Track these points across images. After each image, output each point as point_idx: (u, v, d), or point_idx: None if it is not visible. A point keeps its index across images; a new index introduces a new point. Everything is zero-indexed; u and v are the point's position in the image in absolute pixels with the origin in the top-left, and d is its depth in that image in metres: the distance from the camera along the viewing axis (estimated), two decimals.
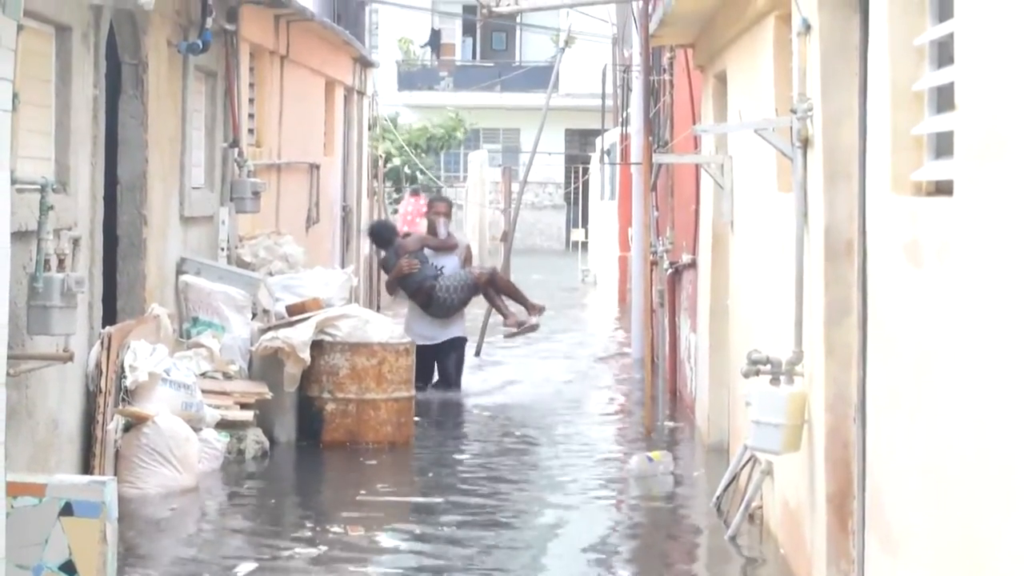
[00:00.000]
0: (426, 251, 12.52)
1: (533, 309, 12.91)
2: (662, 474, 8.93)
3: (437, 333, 12.37)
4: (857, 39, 5.47)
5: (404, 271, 12.25)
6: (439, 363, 12.51)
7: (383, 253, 12.85)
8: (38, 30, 7.39)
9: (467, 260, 12.83)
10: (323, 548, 7.12)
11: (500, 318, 13.11)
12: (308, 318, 10.06)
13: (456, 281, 12.35)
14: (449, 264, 12.49)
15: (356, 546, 7.28)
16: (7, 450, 5.29)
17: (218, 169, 11.24)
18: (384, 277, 13.18)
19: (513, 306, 13.03)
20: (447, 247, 12.62)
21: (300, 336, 9.83)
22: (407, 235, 13.34)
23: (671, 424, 11.07)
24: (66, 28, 7.72)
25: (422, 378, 11.75)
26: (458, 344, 12.63)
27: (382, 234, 12.87)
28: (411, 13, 38.48)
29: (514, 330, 12.94)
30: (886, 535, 4.95)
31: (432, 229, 12.73)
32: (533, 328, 13.00)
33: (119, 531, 6.43)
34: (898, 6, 4.85)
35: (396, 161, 30.25)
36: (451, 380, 12.53)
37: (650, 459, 9.08)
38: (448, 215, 12.93)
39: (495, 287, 12.74)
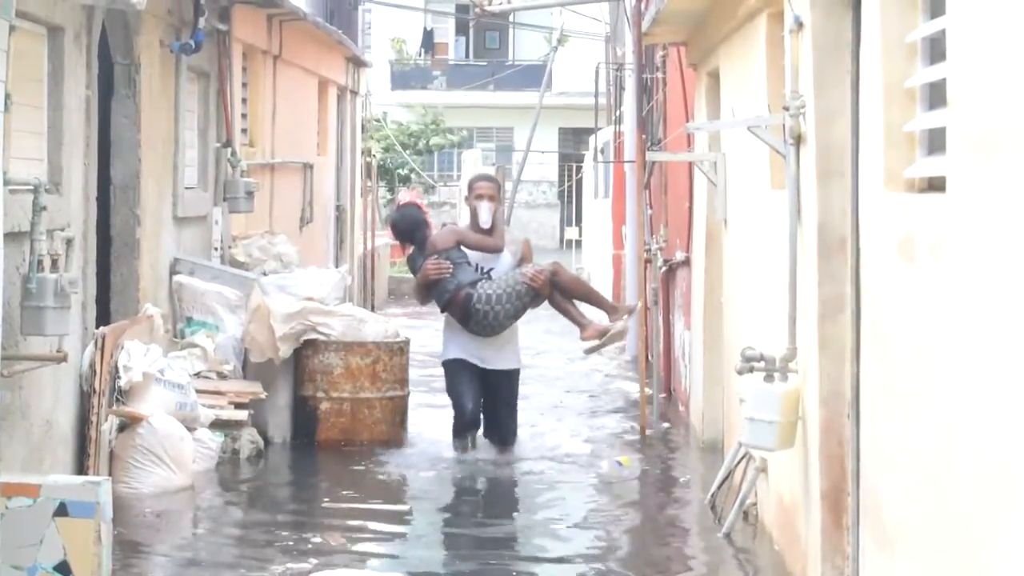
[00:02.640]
0: (466, 250, 9.42)
1: (616, 312, 9.63)
2: (628, 479, 8.89)
3: (484, 356, 9.38)
4: (849, 36, 5.48)
5: (430, 276, 9.20)
6: (487, 403, 9.48)
7: (410, 249, 9.64)
8: (30, 31, 7.38)
9: (525, 261, 9.50)
10: (313, 561, 7.06)
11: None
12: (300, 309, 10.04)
13: (501, 287, 9.16)
14: (500, 267, 9.38)
15: (345, 552, 7.27)
16: (1, 451, 5.30)
17: (211, 169, 11.23)
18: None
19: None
20: (489, 248, 9.42)
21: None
22: (443, 226, 10.44)
23: (666, 424, 11.07)
24: (58, 29, 7.71)
25: (473, 416, 9.40)
26: (511, 380, 9.58)
27: (406, 226, 9.62)
28: (404, 12, 38.48)
29: (596, 342, 9.36)
30: (881, 531, 4.96)
31: (474, 219, 9.55)
32: (620, 336, 9.72)
33: (114, 531, 6.43)
34: (890, 3, 4.86)
35: (379, 157, 30.35)
36: (504, 431, 9.58)
37: (619, 464, 9.05)
38: (495, 199, 9.53)
39: (560, 289, 9.34)
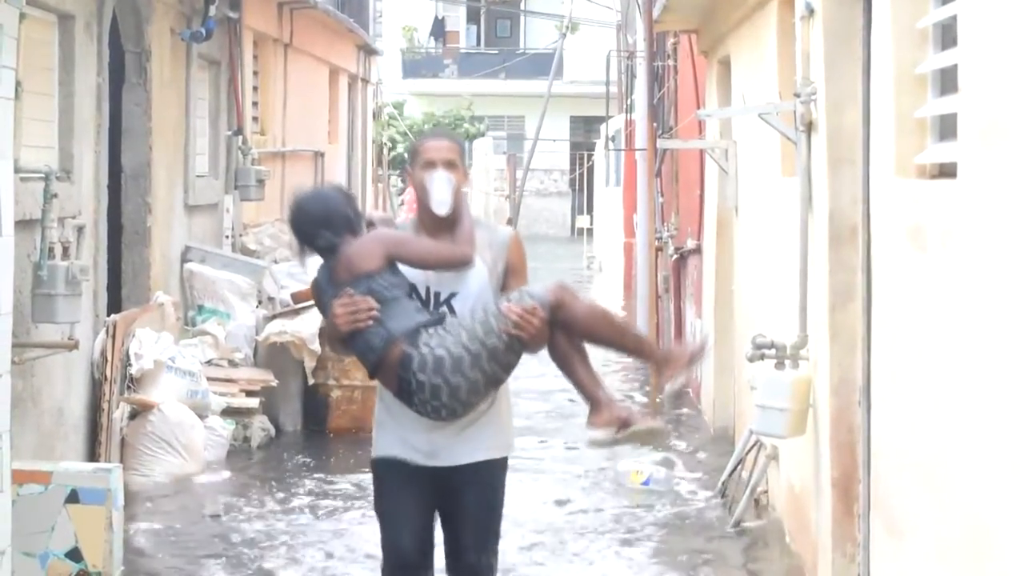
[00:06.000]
0: (406, 268, 4.91)
1: (670, 364, 4.97)
2: (656, 488, 8.39)
3: (437, 446, 4.95)
4: (860, 22, 5.45)
5: (341, 327, 4.83)
6: (445, 524, 5.11)
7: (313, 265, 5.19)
8: (41, 19, 7.39)
9: (513, 273, 5.04)
10: (320, 555, 7.05)
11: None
12: (313, 306, 10.05)
13: (462, 341, 4.79)
14: (470, 289, 4.95)
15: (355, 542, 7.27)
16: (12, 438, 5.31)
17: (222, 157, 11.24)
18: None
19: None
20: (447, 260, 4.95)
21: (308, 328, 9.83)
22: (373, 224, 5.16)
23: (677, 410, 11.07)
24: (69, 17, 7.72)
25: (410, 560, 4.98)
26: (485, 482, 5.07)
27: (310, 223, 4.99)
28: (415, 1, 38.48)
29: (612, 435, 4.89)
30: (891, 519, 4.95)
31: (422, 205, 5.01)
32: (656, 434, 5.06)
33: (124, 518, 6.44)
34: None
35: (400, 148, 30.39)
36: (470, 564, 5.10)
37: (634, 480, 8.47)
38: (456, 168, 4.97)
39: (569, 331, 4.89)
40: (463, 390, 4.77)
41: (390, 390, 4.91)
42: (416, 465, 4.94)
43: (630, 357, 5.40)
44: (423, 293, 4.93)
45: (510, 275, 5.01)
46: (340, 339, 4.90)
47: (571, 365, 4.93)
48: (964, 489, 3.95)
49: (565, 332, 4.86)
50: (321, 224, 4.89)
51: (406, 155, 5.24)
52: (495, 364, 4.78)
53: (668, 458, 9.17)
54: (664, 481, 8.48)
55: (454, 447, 4.95)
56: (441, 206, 4.91)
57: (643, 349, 5.13)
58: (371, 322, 4.79)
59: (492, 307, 4.78)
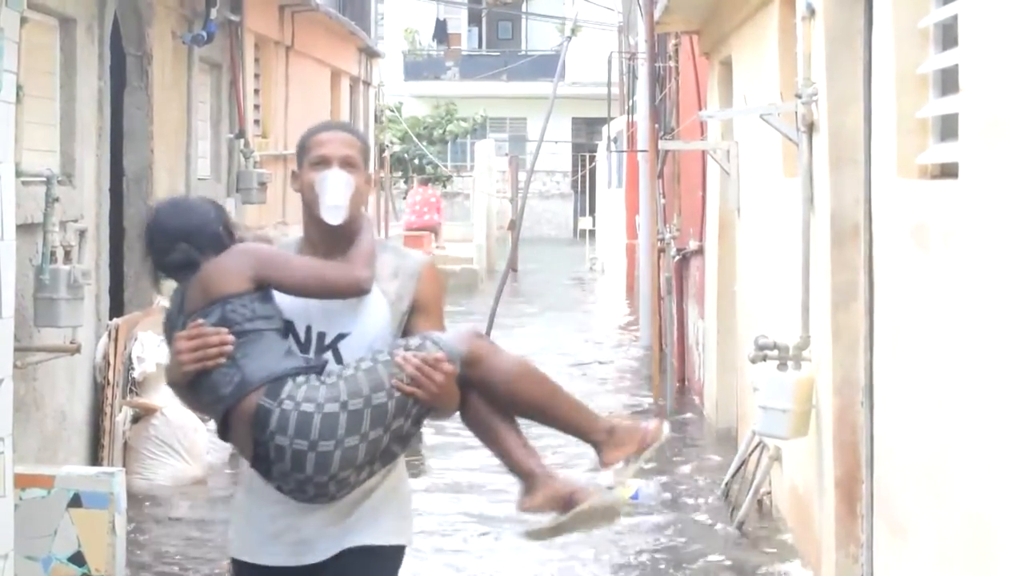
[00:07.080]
0: (282, 300, 3.61)
1: (616, 443, 3.72)
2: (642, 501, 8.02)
3: (309, 536, 3.63)
4: (861, 23, 5.45)
5: (185, 367, 3.50)
6: None
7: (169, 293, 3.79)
8: (42, 22, 7.39)
9: (421, 311, 3.69)
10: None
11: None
12: None
13: (341, 387, 3.46)
14: (363, 329, 3.63)
15: None
16: (15, 442, 5.31)
17: (224, 160, 11.25)
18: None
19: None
20: (337, 286, 3.61)
21: None
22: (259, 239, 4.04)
23: (679, 413, 11.06)
24: (70, 20, 7.72)
25: None
26: (373, 571, 3.65)
27: (162, 237, 3.78)
28: (416, 3, 38.51)
29: (554, 519, 3.66)
30: (894, 518, 4.95)
31: (310, 216, 3.72)
32: (612, 511, 3.72)
33: (128, 522, 6.44)
34: None
35: (397, 148, 30.48)
36: None
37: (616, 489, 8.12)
38: (356, 168, 3.72)
39: (490, 390, 3.62)
40: (334, 461, 3.46)
41: (244, 456, 3.62)
42: (280, 568, 3.65)
43: (564, 432, 3.77)
44: (302, 333, 3.64)
45: (418, 315, 3.70)
46: (183, 384, 3.57)
47: (493, 432, 3.69)
48: (967, 488, 3.94)
49: (483, 393, 3.64)
50: (179, 236, 3.72)
51: (296, 153, 4.00)
52: (380, 430, 3.48)
53: (667, 460, 9.17)
54: (654, 495, 8.11)
55: (330, 537, 3.62)
56: (335, 213, 3.64)
57: (581, 422, 3.74)
58: (222, 360, 3.51)
59: (384, 354, 3.52)
